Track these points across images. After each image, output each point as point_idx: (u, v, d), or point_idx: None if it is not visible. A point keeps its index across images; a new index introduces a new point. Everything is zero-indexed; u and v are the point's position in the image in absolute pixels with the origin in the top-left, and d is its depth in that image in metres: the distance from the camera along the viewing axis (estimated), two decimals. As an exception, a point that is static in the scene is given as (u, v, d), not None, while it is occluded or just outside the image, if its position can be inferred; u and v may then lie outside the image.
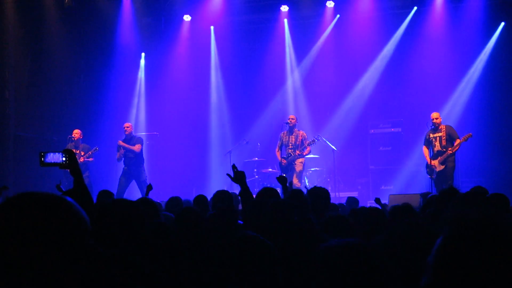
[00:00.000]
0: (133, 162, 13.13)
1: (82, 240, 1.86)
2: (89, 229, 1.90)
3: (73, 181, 3.95)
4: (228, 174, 6.25)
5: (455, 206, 4.48)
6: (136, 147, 13.12)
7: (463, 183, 13.16)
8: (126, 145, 13.14)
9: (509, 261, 1.64)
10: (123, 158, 13.22)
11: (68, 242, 1.81)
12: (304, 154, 12.87)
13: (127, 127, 13.29)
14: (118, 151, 13.27)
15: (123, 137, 13.32)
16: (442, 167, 11.64)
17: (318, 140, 13.27)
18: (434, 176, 11.74)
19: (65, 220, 1.83)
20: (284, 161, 12.92)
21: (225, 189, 7.18)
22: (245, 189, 5.84)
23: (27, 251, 1.76)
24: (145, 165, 13.55)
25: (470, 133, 11.47)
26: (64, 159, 4.01)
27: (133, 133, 13.54)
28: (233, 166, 6.23)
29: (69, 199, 1.90)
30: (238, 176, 5.95)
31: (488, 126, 14.10)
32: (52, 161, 4.07)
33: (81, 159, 12.68)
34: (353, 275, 2.48)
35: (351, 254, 2.53)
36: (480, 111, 14.30)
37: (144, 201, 5.24)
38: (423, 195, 9.00)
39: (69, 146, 13.16)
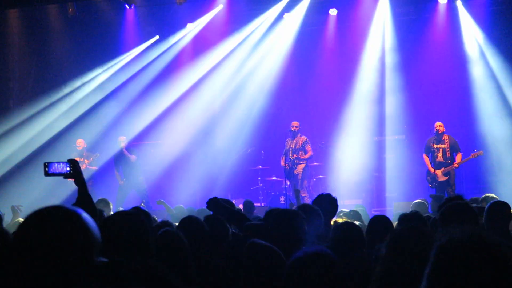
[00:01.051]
0: (131, 173, 13.25)
1: (92, 252, 1.88)
2: (99, 241, 1.92)
3: (77, 191, 3.95)
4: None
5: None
6: (132, 157, 13.30)
7: (467, 190, 13.13)
8: (126, 152, 13.27)
9: (497, 279, 1.69)
10: (120, 171, 13.40)
11: (79, 255, 1.84)
12: (302, 158, 12.88)
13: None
14: (116, 168, 13.41)
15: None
16: (445, 178, 11.64)
17: (321, 147, 13.29)
18: (436, 184, 11.73)
19: (76, 235, 1.86)
20: (287, 166, 13.01)
21: (229, 198, 7.17)
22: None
23: (44, 266, 1.79)
24: (148, 174, 13.65)
25: (481, 151, 11.50)
26: (68, 169, 4.00)
27: (129, 145, 13.73)
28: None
29: (79, 211, 1.92)
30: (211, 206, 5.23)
31: (492, 132, 14.05)
32: (56, 171, 4.05)
33: (83, 166, 12.71)
34: (319, 284, 2.53)
35: (318, 264, 2.57)
36: (484, 117, 14.27)
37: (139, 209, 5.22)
38: (435, 197, 8.97)
39: (73, 155, 13.21)
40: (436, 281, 1.77)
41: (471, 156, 11.54)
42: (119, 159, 13.48)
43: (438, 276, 1.77)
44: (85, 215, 1.92)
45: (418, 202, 9.22)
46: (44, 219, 1.86)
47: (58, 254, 1.80)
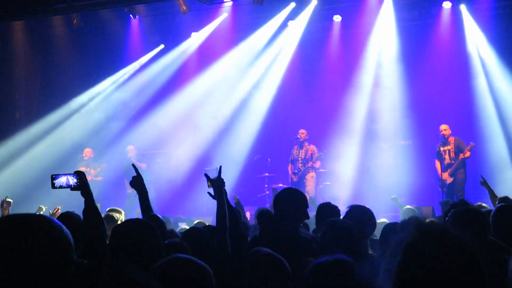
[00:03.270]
0: None
1: (65, 257, 1.88)
2: (72, 246, 1.92)
3: (84, 202, 3.97)
4: (209, 193, 4.93)
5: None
6: (143, 165, 13.46)
7: (475, 195, 13.08)
8: (136, 162, 13.30)
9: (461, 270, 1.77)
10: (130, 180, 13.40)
11: (49, 259, 1.83)
12: (312, 166, 12.86)
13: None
14: (126, 177, 13.47)
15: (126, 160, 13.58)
16: (451, 179, 11.62)
17: (327, 154, 13.26)
18: (445, 189, 11.71)
19: (45, 239, 1.85)
20: (295, 178, 12.92)
21: (234, 205, 7.15)
22: (221, 205, 4.55)
23: (8, 272, 1.79)
24: (154, 183, 13.68)
25: (472, 143, 11.52)
26: (75, 181, 4.02)
27: (137, 154, 13.81)
28: (206, 175, 4.94)
29: (49, 218, 1.92)
30: (216, 188, 4.77)
31: (498, 136, 14.03)
32: (64, 184, 4.08)
33: (89, 178, 12.75)
34: None
35: (338, 270, 2.58)
36: (490, 120, 14.24)
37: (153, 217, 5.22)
38: (443, 203, 8.96)
39: (80, 165, 13.26)
40: (405, 275, 1.83)
41: (465, 150, 11.56)
42: (128, 168, 13.50)
43: (406, 271, 1.83)
44: (55, 222, 1.93)
45: (408, 209, 9.23)
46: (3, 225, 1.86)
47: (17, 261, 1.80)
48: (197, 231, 4.56)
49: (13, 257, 1.79)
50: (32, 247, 1.82)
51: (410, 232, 1.88)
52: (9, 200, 8.75)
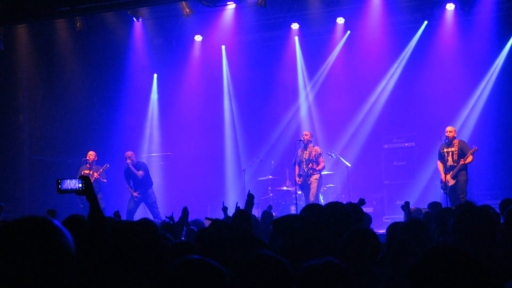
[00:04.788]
0: (139, 187, 13.39)
1: (66, 262, 1.87)
2: (72, 252, 1.91)
3: (89, 207, 3.97)
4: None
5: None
6: (139, 173, 13.47)
7: (478, 196, 13.08)
8: (133, 168, 13.39)
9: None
10: (131, 184, 13.54)
11: (51, 264, 1.83)
12: (317, 169, 12.85)
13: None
14: (127, 182, 13.51)
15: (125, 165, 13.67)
16: (453, 181, 11.61)
17: (331, 156, 13.26)
18: (447, 191, 11.70)
19: (48, 244, 1.85)
20: (299, 180, 12.92)
21: (240, 207, 7.16)
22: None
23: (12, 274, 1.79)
24: (160, 185, 13.70)
25: (475, 147, 11.52)
26: (80, 185, 4.04)
27: (137, 160, 13.95)
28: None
29: (55, 222, 1.91)
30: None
31: (502, 138, 14.02)
32: (69, 188, 4.11)
33: (92, 179, 12.77)
34: None
35: (330, 273, 2.58)
36: (494, 123, 14.24)
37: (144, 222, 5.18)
38: (432, 205, 8.93)
39: (83, 168, 13.28)
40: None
41: (468, 154, 11.56)
42: (128, 174, 13.62)
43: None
44: (58, 225, 1.92)
45: (417, 209, 9.22)
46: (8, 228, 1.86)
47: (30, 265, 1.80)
48: (213, 231, 4.46)
49: (13, 260, 1.79)
50: (32, 251, 1.82)
51: (416, 255, 1.93)
52: (1, 204, 8.84)
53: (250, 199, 7.14)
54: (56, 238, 1.88)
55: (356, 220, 5.25)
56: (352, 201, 6.04)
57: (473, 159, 11.65)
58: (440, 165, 12.01)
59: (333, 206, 5.13)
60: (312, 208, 5.33)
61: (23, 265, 1.80)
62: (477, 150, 11.58)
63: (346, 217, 4.89)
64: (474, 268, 1.84)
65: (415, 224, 5.16)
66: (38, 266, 1.81)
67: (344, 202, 5.67)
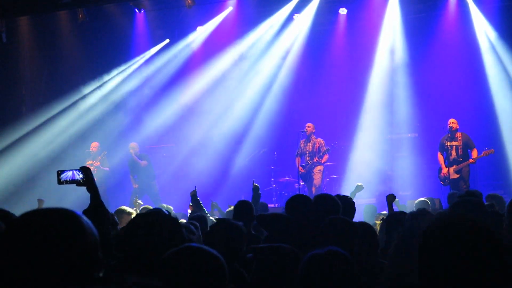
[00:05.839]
0: (143, 178, 13.43)
1: (91, 253, 1.87)
2: (98, 243, 1.91)
3: (90, 198, 3.96)
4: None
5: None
6: (143, 163, 13.56)
7: (481, 187, 13.05)
8: (136, 158, 13.43)
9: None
10: (135, 176, 13.60)
11: (78, 255, 1.83)
12: (322, 161, 12.83)
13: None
14: (131, 174, 13.63)
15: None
16: (457, 176, 11.57)
17: (334, 147, 13.23)
18: (447, 182, 11.67)
19: (74, 235, 1.85)
20: (302, 170, 12.91)
21: (243, 198, 7.12)
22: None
23: (39, 266, 1.77)
24: (161, 177, 13.77)
25: (493, 149, 11.40)
26: (81, 176, 4.02)
27: (140, 151, 14.01)
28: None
29: (78, 213, 1.91)
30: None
31: (507, 127, 13.97)
32: (69, 179, 4.09)
33: (95, 171, 12.78)
34: (335, 282, 2.56)
35: (334, 262, 2.60)
36: (499, 112, 14.18)
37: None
38: (450, 195, 8.88)
39: (88, 159, 13.31)
40: (427, 261, 1.90)
41: (482, 154, 11.47)
42: (132, 165, 13.64)
43: (429, 256, 1.90)
44: (84, 218, 1.91)
45: (421, 200, 9.19)
46: (40, 220, 1.84)
47: (52, 258, 1.78)
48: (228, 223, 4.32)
49: (41, 251, 1.78)
50: (60, 242, 1.81)
51: (428, 220, 1.94)
52: (41, 199, 8.85)
53: (256, 190, 7.14)
54: (85, 230, 1.89)
55: (345, 212, 5.16)
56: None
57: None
58: (440, 157, 11.97)
59: (322, 198, 5.12)
60: (298, 199, 5.21)
61: (55, 257, 1.79)
62: (494, 152, 11.47)
63: (335, 209, 4.86)
64: (485, 234, 1.87)
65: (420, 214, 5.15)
66: (69, 258, 1.81)
67: (347, 194, 5.67)
